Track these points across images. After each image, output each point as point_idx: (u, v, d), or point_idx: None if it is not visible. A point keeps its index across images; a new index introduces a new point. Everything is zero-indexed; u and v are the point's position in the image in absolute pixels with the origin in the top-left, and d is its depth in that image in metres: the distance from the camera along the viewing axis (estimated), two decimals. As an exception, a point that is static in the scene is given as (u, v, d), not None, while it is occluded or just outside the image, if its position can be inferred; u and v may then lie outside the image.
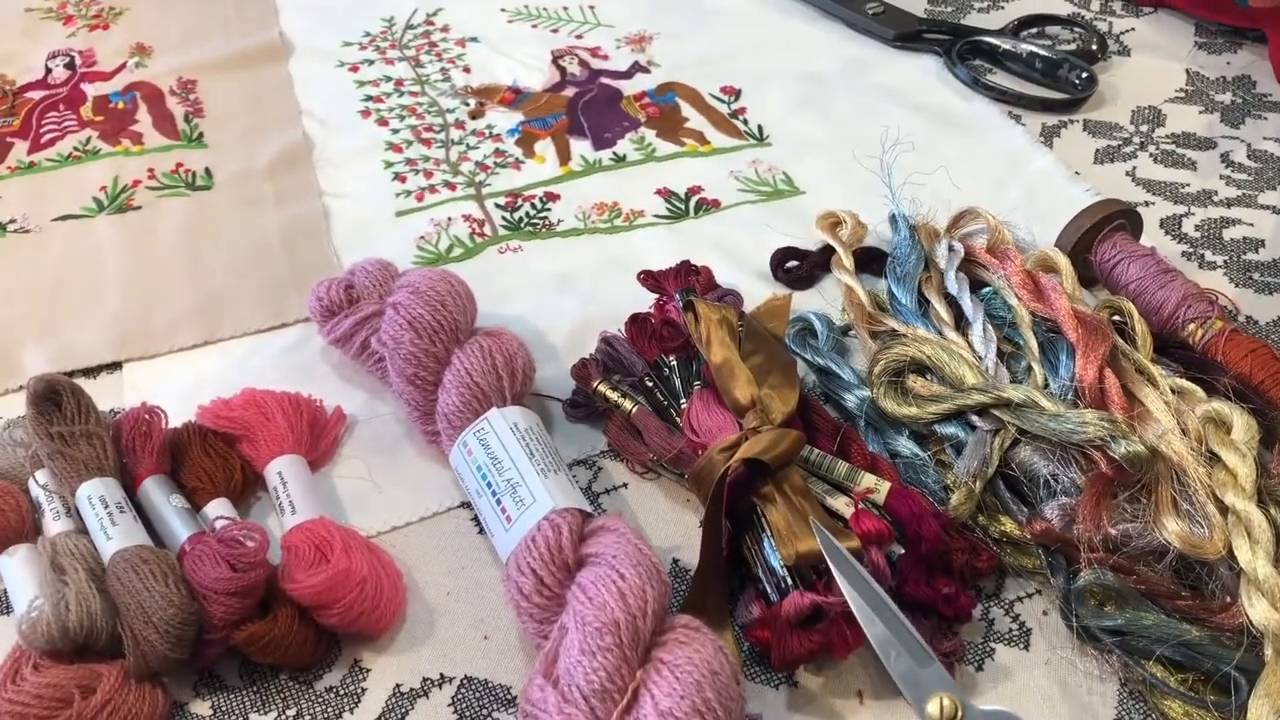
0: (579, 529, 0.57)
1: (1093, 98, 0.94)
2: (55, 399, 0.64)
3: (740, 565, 0.60)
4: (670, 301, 0.70)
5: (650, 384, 0.67)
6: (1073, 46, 1.00)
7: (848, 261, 0.77)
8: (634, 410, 0.66)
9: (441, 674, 0.58)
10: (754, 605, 0.58)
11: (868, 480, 0.61)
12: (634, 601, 0.51)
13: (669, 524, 0.65)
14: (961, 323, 0.71)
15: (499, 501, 0.60)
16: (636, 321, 0.70)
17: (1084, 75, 0.94)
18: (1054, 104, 0.94)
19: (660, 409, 0.66)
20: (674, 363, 0.67)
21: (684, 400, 0.65)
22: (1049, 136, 0.91)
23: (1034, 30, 1.02)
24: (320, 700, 0.57)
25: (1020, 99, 0.94)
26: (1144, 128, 0.92)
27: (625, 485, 0.67)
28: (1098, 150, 0.90)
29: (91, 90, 0.98)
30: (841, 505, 0.59)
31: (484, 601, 0.61)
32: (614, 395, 0.67)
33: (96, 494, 0.61)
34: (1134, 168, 0.88)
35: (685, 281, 0.70)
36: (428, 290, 0.67)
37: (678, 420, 0.65)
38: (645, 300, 0.76)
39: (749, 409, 0.62)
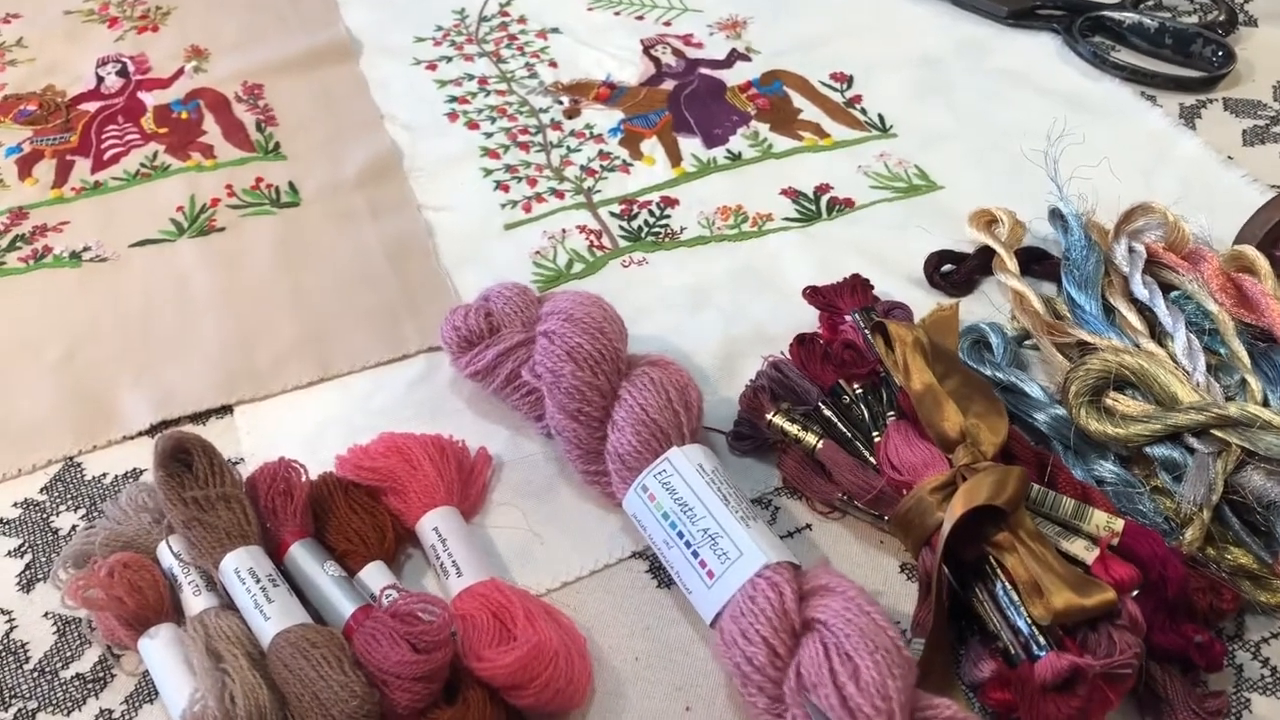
0: (798, 586, 0.52)
1: (1229, 74, 0.88)
2: (184, 458, 0.58)
3: (961, 618, 0.55)
4: (843, 320, 0.64)
5: (829, 414, 0.61)
6: (1193, 19, 0.94)
7: (1012, 265, 0.71)
8: (819, 445, 0.60)
9: (646, 753, 0.53)
10: (986, 663, 0.53)
11: (1099, 518, 0.55)
12: (875, 704, 0.45)
13: (866, 569, 0.59)
14: (1157, 332, 0.65)
15: (696, 554, 0.54)
16: (804, 343, 0.64)
17: (1220, 50, 0.88)
18: (1189, 82, 0.88)
19: (843, 442, 0.60)
20: (859, 390, 0.61)
21: (875, 433, 0.60)
22: (1189, 118, 0.85)
23: (1151, 3, 0.96)
24: (516, 789, 0.52)
25: (1153, 77, 0.88)
26: (1289, 104, 0.86)
27: (809, 526, 0.61)
28: (1244, 131, 0.84)
29: (150, 99, 0.91)
30: (1079, 549, 0.54)
31: (678, 666, 0.56)
32: (794, 429, 0.61)
33: (245, 566, 0.55)
34: (1287, 149, 0.82)
35: (863, 298, 0.64)
36: (583, 317, 0.61)
37: (865, 454, 0.60)
38: (793, 315, 0.70)
39: (958, 442, 0.57)
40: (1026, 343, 0.69)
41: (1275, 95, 0.87)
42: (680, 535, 0.55)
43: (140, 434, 0.67)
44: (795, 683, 0.48)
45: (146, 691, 0.55)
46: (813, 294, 0.67)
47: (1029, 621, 0.51)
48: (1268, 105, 0.86)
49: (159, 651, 0.54)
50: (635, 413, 0.58)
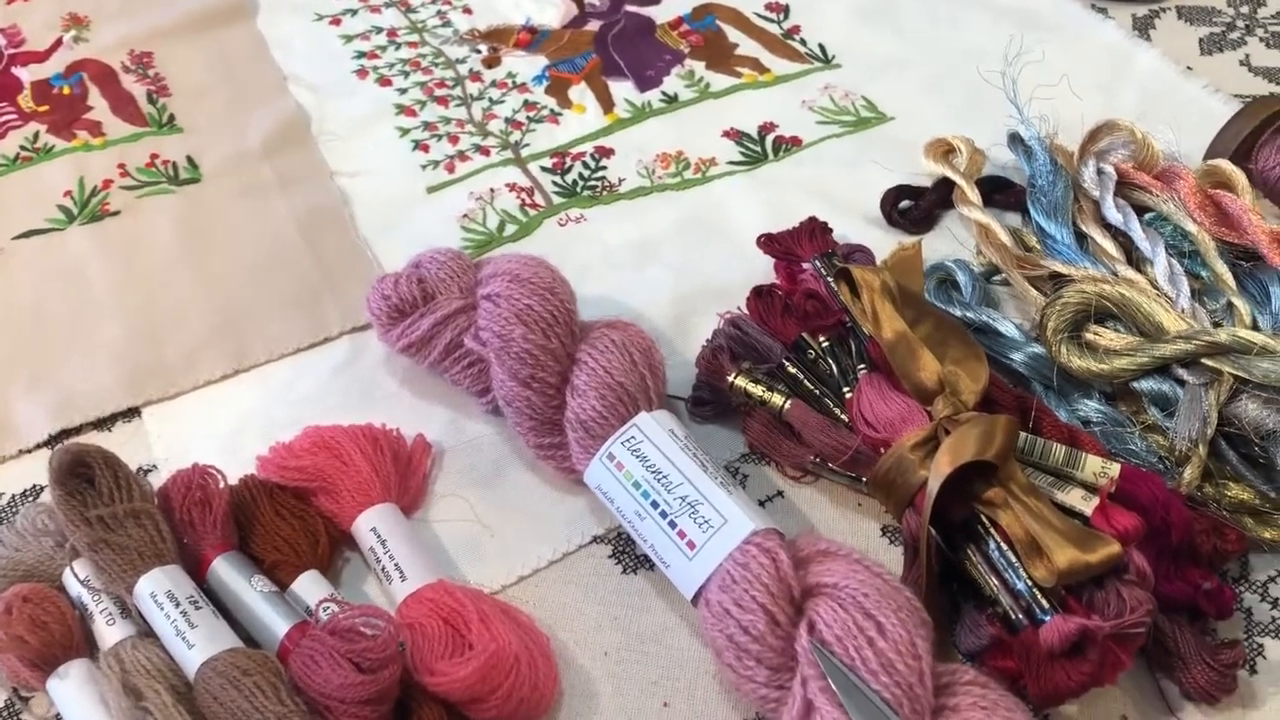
0: (791, 554, 0.47)
1: (1179, -20, 0.84)
2: (85, 473, 0.52)
3: (951, 582, 0.51)
4: (802, 269, 0.59)
5: (795, 370, 0.57)
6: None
7: (974, 196, 0.67)
8: (787, 405, 0.55)
9: (626, 758, 0.48)
10: (984, 630, 0.48)
11: (1093, 464, 0.51)
12: (904, 666, 0.41)
13: (845, 535, 0.55)
14: (1134, 257, 0.61)
15: (673, 525, 0.50)
16: (762, 296, 0.59)
17: (1170, -45, 0.83)
18: (1139, -9, 0.84)
19: (812, 400, 0.56)
20: (825, 343, 0.56)
21: (845, 388, 0.55)
22: (1143, 29, 0.81)
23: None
24: (485, 811, 0.47)
25: (1103, -11, 0.84)
26: (1244, 9, 0.82)
27: (781, 494, 0.57)
28: (1201, 40, 0.80)
29: (26, 75, 0.83)
30: (1076, 499, 0.50)
31: (652, 658, 0.51)
32: (758, 390, 0.56)
33: (162, 589, 0.49)
34: (1246, 56, 0.79)
35: (822, 243, 0.59)
36: (530, 277, 0.56)
37: (836, 412, 0.55)
38: (747, 266, 0.65)
39: (937, 393, 0.52)
40: (995, 278, 0.65)
41: (1228, 1, 0.83)
42: (655, 505, 0.50)
43: (38, 446, 0.60)
44: (808, 640, 0.44)
45: (58, 739, 0.49)
46: (768, 242, 0.61)
47: (1029, 584, 0.47)
48: (1222, 11, 0.82)
49: (71, 692, 0.48)
50: (599, 376, 0.53)
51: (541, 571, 0.54)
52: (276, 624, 0.49)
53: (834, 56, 0.80)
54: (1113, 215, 0.62)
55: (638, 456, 0.52)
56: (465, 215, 0.71)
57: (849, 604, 0.44)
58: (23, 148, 0.77)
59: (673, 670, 0.51)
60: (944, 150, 0.70)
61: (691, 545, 0.49)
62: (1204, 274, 0.60)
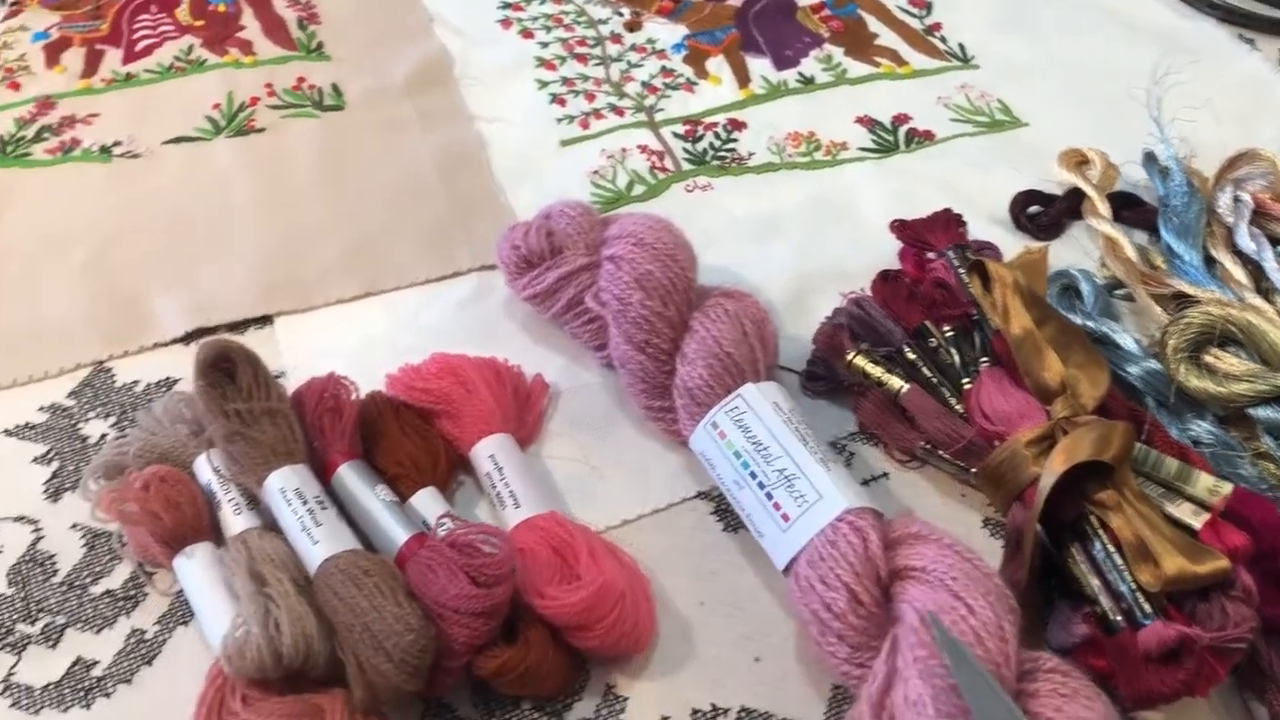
0: (883, 534, 0.48)
1: (1332, 20, 0.83)
2: (227, 368, 0.54)
3: (1050, 577, 0.51)
4: (930, 258, 0.60)
5: (913, 356, 0.57)
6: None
7: (1104, 209, 0.67)
8: (904, 389, 0.56)
9: (713, 705, 0.49)
10: (1078, 628, 0.49)
11: (1205, 481, 0.51)
12: (993, 645, 0.42)
13: (946, 523, 0.54)
14: (1263, 286, 0.61)
15: (770, 496, 0.51)
16: (889, 281, 0.60)
17: (1324, -7, 0.83)
18: (1290, 26, 0.83)
19: (928, 387, 0.57)
20: (949, 333, 0.57)
21: (965, 379, 0.56)
22: (1289, 64, 0.81)
23: (1248, -60, 0.90)
24: (575, 736, 0.49)
25: (1251, 19, 0.83)
26: (1394, 55, 0.81)
27: (886, 475, 0.58)
28: (1347, 81, 0.79)
29: (186, -11, 0.86)
30: (1186, 513, 0.50)
31: (746, 615, 0.52)
32: (876, 370, 0.57)
33: (291, 485, 0.51)
34: (1392, 102, 0.78)
35: (955, 235, 0.60)
36: (653, 242, 0.57)
37: (951, 402, 0.56)
38: (872, 251, 0.66)
39: (1058, 393, 0.53)
40: (1117, 292, 0.65)
41: (1380, 44, 0.82)
42: (753, 476, 0.51)
43: (174, 341, 0.63)
44: (921, 613, 0.44)
45: (181, 613, 0.52)
46: (901, 227, 0.62)
47: (1133, 587, 0.48)
48: (1371, 55, 0.81)
49: (196, 572, 0.51)
50: (708, 345, 0.54)
51: (645, 518, 0.56)
52: (396, 532, 0.51)
53: (973, 57, 0.81)
54: (1245, 243, 0.62)
55: (740, 427, 0.52)
56: (596, 172, 0.73)
57: (937, 586, 0.44)
58: (177, 59, 0.80)
59: (766, 628, 0.52)
60: (1078, 161, 0.70)
61: (786, 518, 0.50)
62: (1333, 311, 0.60)
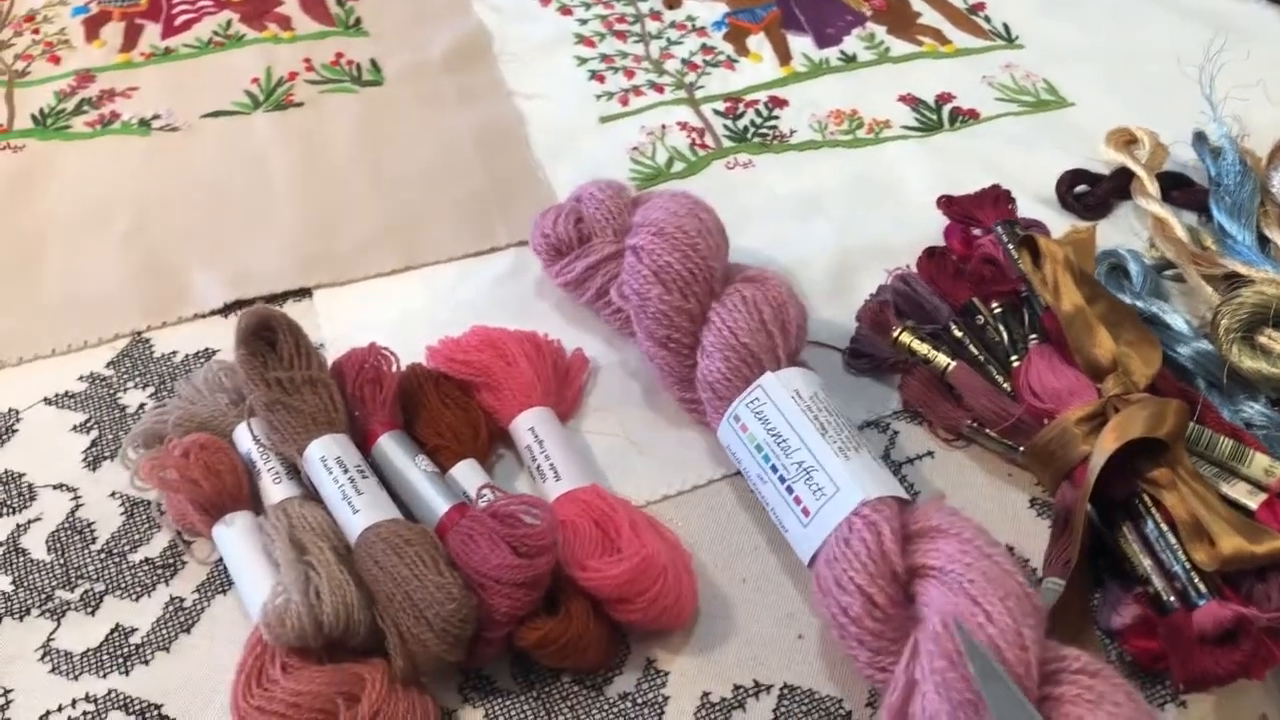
0: (901, 526, 0.46)
1: (1386, 1, 0.81)
2: (268, 337, 0.54)
3: (1098, 557, 0.50)
4: (977, 235, 0.59)
5: (960, 334, 0.57)
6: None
7: (1153, 188, 0.66)
8: (951, 367, 0.55)
9: (755, 681, 0.49)
10: (1129, 608, 0.48)
11: (1260, 461, 0.50)
12: (1012, 655, 0.41)
13: (992, 503, 0.55)
14: (1318, 267, 0.60)
15: (790, 490, 0.49)
16: (935, 257, 0.59)
17: (1378, -25, 0.81)
18: (1342, 7, 0.81)
19: (975, 365, 0.56)
20: (997, 310, 0.56)
21: (1014, 357, 0.55)
22: (1341, 46, 0.79)
23: (1299, -79, 0.89)
24: (615, 710, 0.48)
25: (1303, 1, 0.81)
26: None
27: (931, 454, 0.57)
28: (1401, 63, 0.77)
29: (224, -35, 0.86)
30: (1242, 493, 0.49)
31: (788, 593, 0.52)
32: (923, 348, 0.56)
33: (332, 454, 0.51)
34: None
35: (1004, 211, 0.59)
36: (674, 231, 0.55)
37: (999, 380, 0.55)
38: (916, 229, 0.65)
39: (1109, 371, 0.52)
40: (1166, 273, 0.64)
41: None
42: (774, 469, 0.50)
43: (212, 312, 0.63)
44: (946, 621, 0.43)
45: (220, 581, 0.52)
46: (948, 203, 0.61)
47: (1187, 566, 0.47)
48: None
49: (235, 540, 0.51)
50: (724, 337, 0.53)
51: (685, 494, 0.55)
52: (437, 502, 0.50)
53: (1017, 37, 0.80)
54: (1300, 222, 0.61)
55: (760, 419, 0.51)
56: (635, 148, 0.72)
57: (955, 589, 0.43)
58: (215, 33, 0.80)
59: (809, 606, 0.51)
60: (1126, 140, 0.69)
61: (806, 512, 0.48)
62: (1390, 293, 0.59)
